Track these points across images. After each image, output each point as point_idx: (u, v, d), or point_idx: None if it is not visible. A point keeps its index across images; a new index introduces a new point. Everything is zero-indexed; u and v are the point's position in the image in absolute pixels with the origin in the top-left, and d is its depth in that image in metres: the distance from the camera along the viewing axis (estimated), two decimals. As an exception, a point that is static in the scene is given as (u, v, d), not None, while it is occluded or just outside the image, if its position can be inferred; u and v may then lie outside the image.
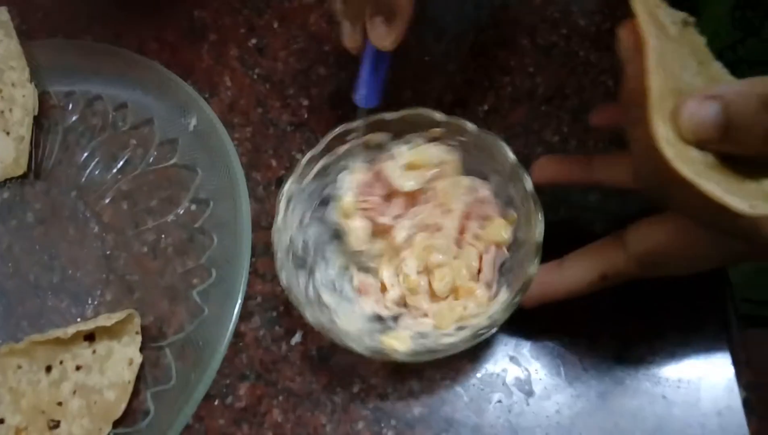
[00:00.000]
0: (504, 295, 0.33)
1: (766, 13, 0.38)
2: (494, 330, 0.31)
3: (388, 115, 0.35)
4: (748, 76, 0.25)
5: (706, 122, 0.22)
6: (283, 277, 0.33)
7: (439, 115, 0.35)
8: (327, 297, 0.35)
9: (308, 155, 0.35)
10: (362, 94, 0.36)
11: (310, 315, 0.32)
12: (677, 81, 0.24)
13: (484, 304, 0.33)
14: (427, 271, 0.35)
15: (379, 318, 0.35)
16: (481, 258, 0.35)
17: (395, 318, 0.35)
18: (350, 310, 0.35)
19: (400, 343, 0.32)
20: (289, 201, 0.35)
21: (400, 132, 0.36)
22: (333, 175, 0.36)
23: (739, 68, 0.26)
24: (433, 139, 0.36)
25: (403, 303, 0.35)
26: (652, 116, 0.23)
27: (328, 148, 0.35)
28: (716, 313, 0.34)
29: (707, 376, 0.33)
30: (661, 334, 0.34)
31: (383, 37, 0.33)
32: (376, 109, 0.36)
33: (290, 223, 0.35)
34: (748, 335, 0.34)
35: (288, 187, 0.35)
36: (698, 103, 0.23)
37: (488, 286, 0.34)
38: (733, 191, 0.22)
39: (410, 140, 0.36)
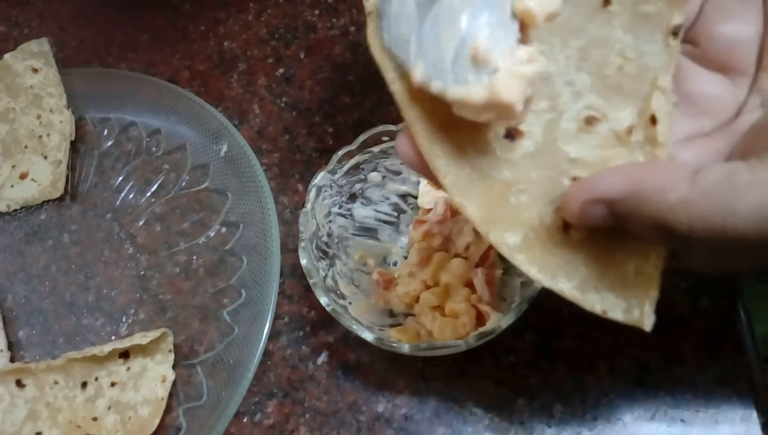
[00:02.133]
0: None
1: None
2: (497, 333, 0.32)
3: None
4: None
5: (596, 220, 0.22)
6: (305, 262, 0.34)
7: None
8: (344, 287, 0.37)
9: (343, 151, 0.37)
10: None
11: (325, 301, 0.34)
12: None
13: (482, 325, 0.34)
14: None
15: (390, 313, 0.36)
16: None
17: (406, 314, 0.36)
18: (365, 301, 0.36)
19: (407, 337, 0.34)
20: (319, 191, 0.36)
21: None
22: (365, 173, 0.38)
23: None
24: None
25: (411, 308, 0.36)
26: (487, 235, 0.23)
27: (363, 146, 0.37)
28: (734, 339, 0.35)
29: (725, 401, 0.34)
30: (680, 359, 0.35)
31: None
32: None
33: (318, 212, 0.36)
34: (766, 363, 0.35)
35: (320, 177, 0.36)
36: (581, 208, 0.22)
37: (490, 305, 0.35)
38: (597, 275, 0.22)
39: None
